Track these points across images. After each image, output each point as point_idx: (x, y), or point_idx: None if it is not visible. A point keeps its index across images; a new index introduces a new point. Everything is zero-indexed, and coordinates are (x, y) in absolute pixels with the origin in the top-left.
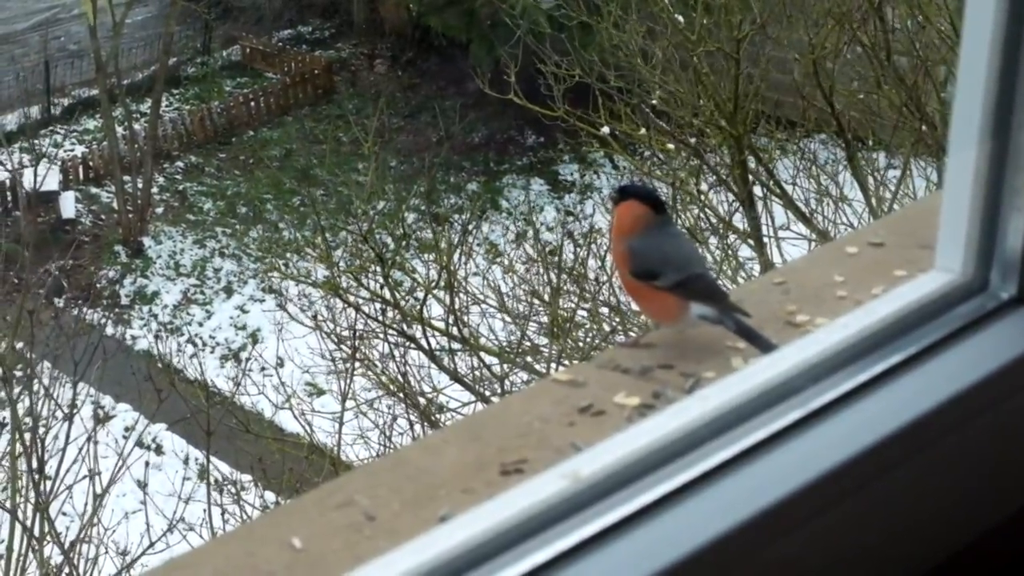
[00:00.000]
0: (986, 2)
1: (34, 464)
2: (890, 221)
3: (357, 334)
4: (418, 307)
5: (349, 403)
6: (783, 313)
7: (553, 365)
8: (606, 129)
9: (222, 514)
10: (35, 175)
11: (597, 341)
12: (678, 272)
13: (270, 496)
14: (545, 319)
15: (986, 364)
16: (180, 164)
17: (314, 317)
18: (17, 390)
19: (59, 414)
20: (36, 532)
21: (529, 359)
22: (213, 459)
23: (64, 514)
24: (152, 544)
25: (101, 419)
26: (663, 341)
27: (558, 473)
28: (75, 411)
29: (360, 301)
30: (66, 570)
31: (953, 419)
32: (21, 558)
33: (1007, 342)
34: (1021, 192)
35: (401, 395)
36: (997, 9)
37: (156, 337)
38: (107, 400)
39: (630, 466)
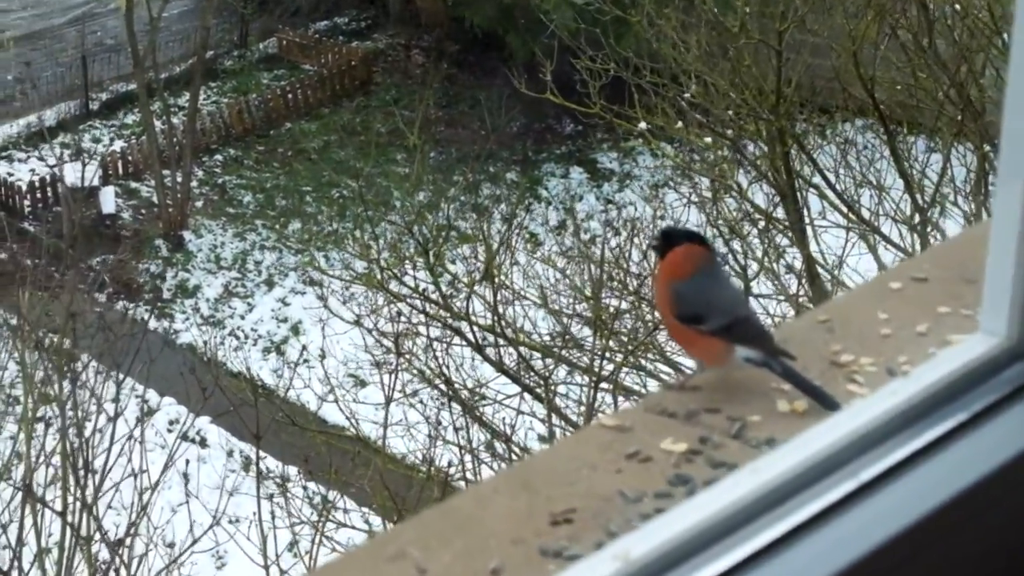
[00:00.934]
0: None
1: (80, 463)
2: (934, 253)
3: (399, 329)
4: (461, 302)
5: (392, 396)
6: (828, 353)
7: (596, 359)
8: (643, 124)
9: (271, 509)
10: (82, 171)
11: (640, 334)
12: (723, 316)
13: (314, 487)
14: (586, 311)
15: None
16: (219, 157)
17: (356, 321)
18: (66, 387)
19: (106, 410)
20: (83, 530)
21: (571, 352)
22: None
23: (111, 508)
24: (196, 540)
25: (146, 413)
26: (708, 383)
27: (610, 554)
28: (120, 409)
29: (402, 295)
30: (114, 567)
31: (1003, 487)
32: (69, 555)
33: None
34: None
35: (443, 388)
36: None
37: (200, 330)
38: (151, 394)
39: (680, 546)
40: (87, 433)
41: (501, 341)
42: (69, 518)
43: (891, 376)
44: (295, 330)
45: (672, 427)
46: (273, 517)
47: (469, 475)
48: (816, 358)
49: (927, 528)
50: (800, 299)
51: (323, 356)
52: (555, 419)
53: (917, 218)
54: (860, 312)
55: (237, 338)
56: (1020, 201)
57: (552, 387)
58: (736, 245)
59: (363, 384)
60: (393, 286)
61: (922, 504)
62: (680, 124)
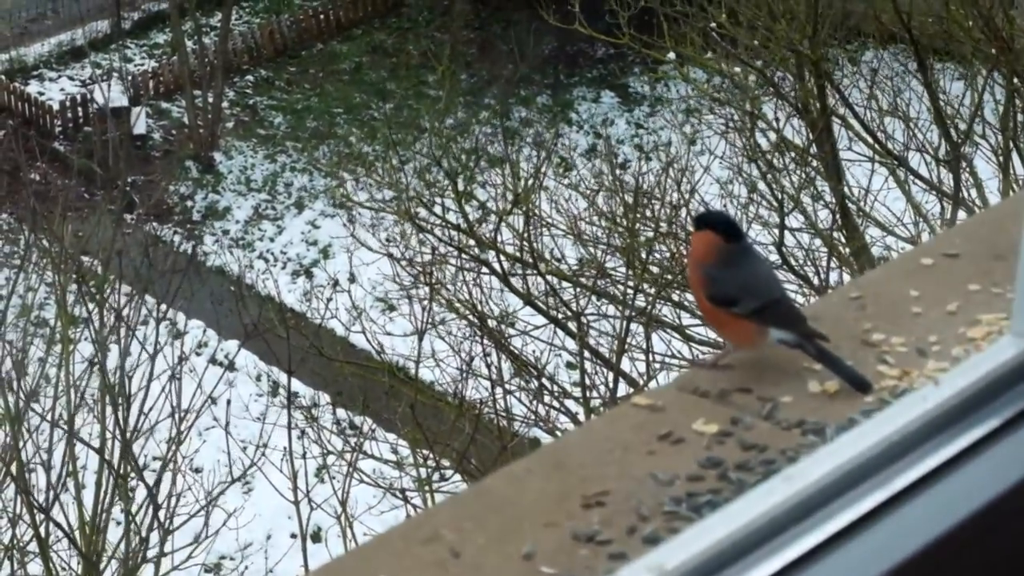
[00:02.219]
0: None
1: (117, 396)
2: (966, 228)
3: (427, 259)
4: (490, 231)
5: (423, 328)
6: (859, 331)
7: (629, 290)
8: (672, 55)
9: (300, 437)
10: (127, 89)
11: (671, 264)
12: (756, 299)
13: (347, 414)
14: (617, 241)
15: None
16: (250, 78)
17: (386, 252)
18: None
19: (140, 341)
20: (119, 465)
21: (602, 283)
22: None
23: (143, 434)
24: (236, 478)
25: (174, 336)
26: (740, 363)
27: (644, 566)
28: (159, 345)
29: (431, 225)
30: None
31: None
32: (107, 487)
33: None
34: None
35: (472, 319)
36: None
37: (231, 254)
38: (181, 318)
39: (714, 558)
40: (127, 366)
41: (529, 271)
42: (106, 455)
43: (921, 357)
44: (324, 253)
45: (704, 407)
46: (304, 447)
47: (500, 409)
48: (847, 336)
49: (961, 537)
50: (833, 233)
51: (352, 279)
52: (586, 353)
53: (948, 152)
54: (891, 289)
55: (266, 261)
56: None
57: (584, 321)
58: (772, 179)
59: (392, 308)
60: (423, 214)
61: (956, 513)
62: (709, 54)
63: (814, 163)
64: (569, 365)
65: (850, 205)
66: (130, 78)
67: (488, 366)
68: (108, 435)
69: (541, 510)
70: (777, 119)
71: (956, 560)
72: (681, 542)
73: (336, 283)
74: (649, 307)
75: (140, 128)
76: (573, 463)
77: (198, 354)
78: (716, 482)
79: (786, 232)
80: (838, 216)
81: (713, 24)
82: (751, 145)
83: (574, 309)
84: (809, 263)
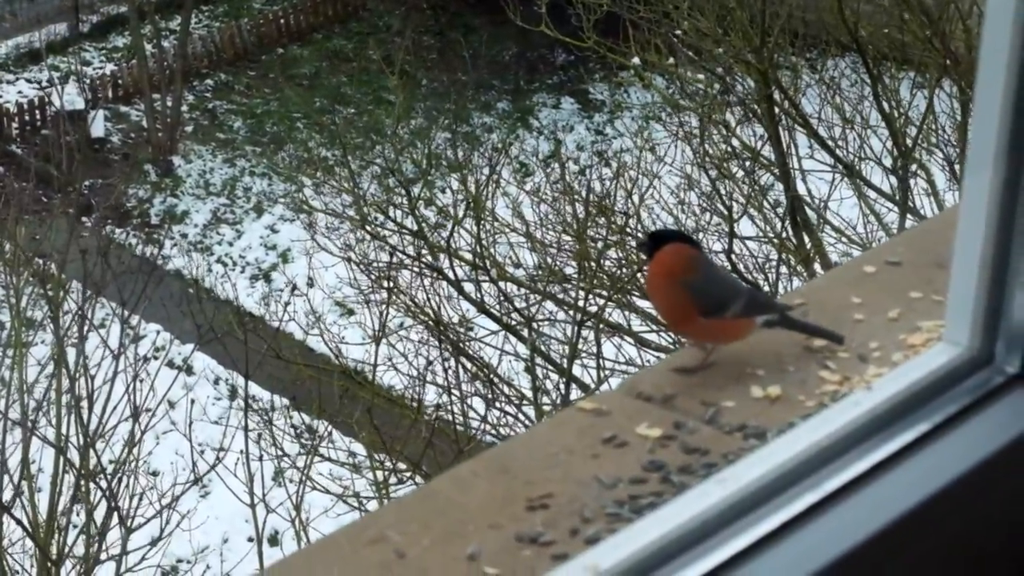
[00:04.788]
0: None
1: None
2: (909, 237)
3: (383, 264)
4: (445, 237)
5: (381, 334)
6: (802, 338)
7: (582, 295)
8: (636, 60)
9: (257, 439)
10: (85, 92)
11: (626, 271)
12: (740, 296)
13: (301, 418)
14: (574, 246)
15: (991, 442)
16: (210, 82)
17: (346, 257)
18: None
19: (95, 340)
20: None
21: (555, 289)
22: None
23: (101, 438)
24: (194, 481)
25: (131, 340)
26: (685, 368)
27: (580, 566)
28: (122, 348)
29: (387, 231)
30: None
31: (965, 496)
32: (60, 484)
33: (1010, 420)
34: None
35: (430, 323)
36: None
37: (188, 257)
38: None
39: (647, 558)
40: (86, 369)
41: (483, 278)
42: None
43: (862, 363)
44: (283, 257)
45: (648, 411)
46: (261, 450)
47: (457, 413)
48: (790, 343)
49: (891, 538)
50: (784, 240)
51: (311, 284)
52: (538, 359)
53: (898, 161)
54: (835, 296)
55: (224, 264)
56: (983, 213)
57: (535, 327)
58: (722, 187)
59: (351, 312)
60: (381, 219)
61: (886, 514)
62: (671, 60)
63: (763, 171)
64: (528, 371)
65: (809, 213)
66: (88, 81)
67: (445, 370)
68: (67, 436)
69: (486, 512)
70: (729, 125)
71: (885, 561)
72: (616, 543)
73: (294, 287)
74: (600, 311)
75: (98, 131)
76: (518, 467)
77: (155, 358)
78: (658, 485)
79: (736, 240)
80: (787, 224)
81: (678, 32)
82: (701, 152)
83: (525, 315)
84: (758, 270)
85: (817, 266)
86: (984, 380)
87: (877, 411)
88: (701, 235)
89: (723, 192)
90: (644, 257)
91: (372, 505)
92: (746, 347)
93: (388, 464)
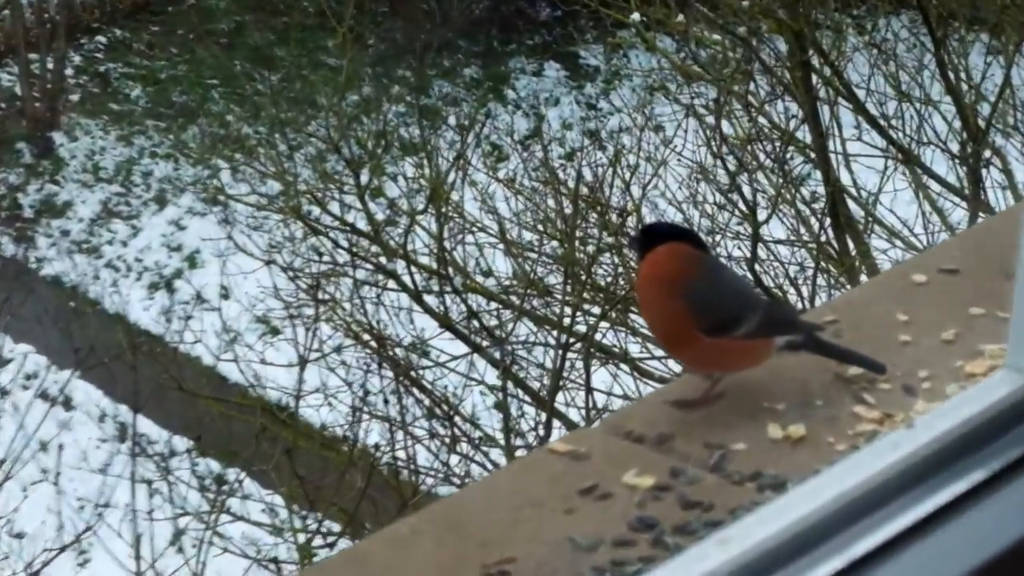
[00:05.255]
0: None
1: None
2: (969, 238)
3: (320, 269)
4: (399, 236)
5: (307, 355)
6: (832, 364)
7: (567, 311)
8: (637, 16)
9: (149, 489)
10: None
11: (623, 281)
12: (755, 310)
13: (212, 465)
14: (558, 250)
15: None
16: (101, 40)
17: (268, 260)
18: None
19: None
20: None
21: (536, 303)
22: (139, 417)
23: None
24: (66, 545)
25: None
26: (691, 399)
27: None
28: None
29: (323, 227)
30: None
31: None
32: None
33: None
34: None
35: (373, 345)
36: None
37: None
38: (8, 344)
39: None
40: None
41: (447, 287)
42: None
43: (909, 396)
44: (191, 261)
45: (637, 455)
46: (153, 505)
47: (399, 457)
48: (818, 370)
49: None
50: (824, 244)
51: (226, 295)
52: (512, 388)
53: (968, 146)
54: (875, 312)
55: (116, 270)
56: None
57: (510, 347)
58: (744, 177)
59: (275, 331)
60: (317, 213)
61: None
62: (681, 17)
63: (797, 157)
64: (498, 406)
65: (855, 210)
66: None
67: (386, 402)
68: None
69: None
70: (754, 100)
71: None
72: None
73: (203, 299)
74: (590, 332)
75: None
76: (472, 523)
77: (24, 387)
78: (649, 548)
79: (762, 245)
80: (827, 224)
81: None
82: (718, 134)
83: (497, 335)
84: (790, 283)
85: (864, 277)
86: None
87: (920, 455)
88: (718, 238)
89: (745, 184)
90: (636, 258)
91: (292, 572)
92: (762, 375)
93: (313, 521)
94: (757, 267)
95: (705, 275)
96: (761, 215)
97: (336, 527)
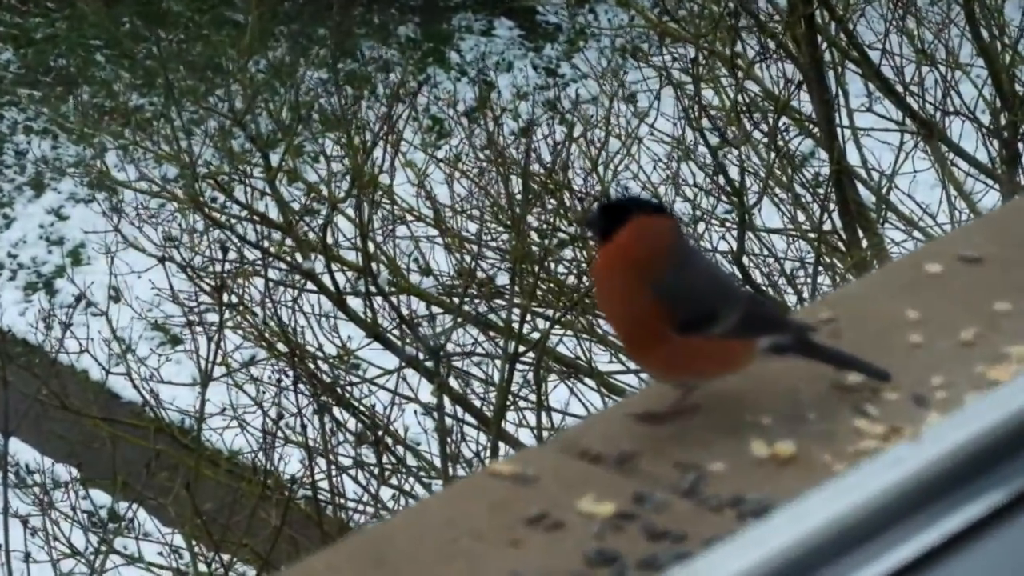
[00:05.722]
0: None
1: None
2: (992, 222)
3: (227, 266)
4: (319, 227)
5: (210, 369)
6: (828, 369)
7: (515, 316)
8: None
9: (25, 528)
10: None
11: (582, 283)
12: (734, 303)
13: (98, 498)
14: (507, 243)
15: None
16: None
17: (161, 257)
18: None
19: None
20: None
21: (483, 308)
22: (14, 442)
23: None
24: None
25: None
26: (659, 411)
27: None
28: None
29: (231, 217)
30: None
31: None
32: None
33: None
34: None
35: (289, 356)
36: None
37: None
38: None
39: None
40: None
41: (374, 288)
42: None
43: (920, 407)
44: (75, 257)
45: (595, 478)
46: (26, 543)
47: (322, 488)
48: (811, 377)
49: None
50: (827, 234)
51: (116, 297)
52: (449, 406)
53: (1002, 116)
54: (880, 308)
55: None
56: None
57: (445, 358)
58: (730, 154)
59: (176, 341)
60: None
61: None
62: None
63: (796, 131)
64: (437, 429)
65: (866, 194)
66: None
67: (303, 426)
68: None
69: None
70: (741, 61)
71: None
72: None
73: (90, 302)
74: (543, 338)
75: None
76: (399, 558)
77: None
78: None
79: (752, 236)
80: (832, 210)
81: None
82: (696, 102)
83: (431, 344)
84: (787, 281)
85: None
86: None
87: (929, 473)
88: (702, 227)
89: (732, 164)
90: (594, 242)
91: None
92: (745, 384)
93: (219, 565)
94: (746, 261)
95: (679, 258)
96: (753, 201)
97: (249, 573)
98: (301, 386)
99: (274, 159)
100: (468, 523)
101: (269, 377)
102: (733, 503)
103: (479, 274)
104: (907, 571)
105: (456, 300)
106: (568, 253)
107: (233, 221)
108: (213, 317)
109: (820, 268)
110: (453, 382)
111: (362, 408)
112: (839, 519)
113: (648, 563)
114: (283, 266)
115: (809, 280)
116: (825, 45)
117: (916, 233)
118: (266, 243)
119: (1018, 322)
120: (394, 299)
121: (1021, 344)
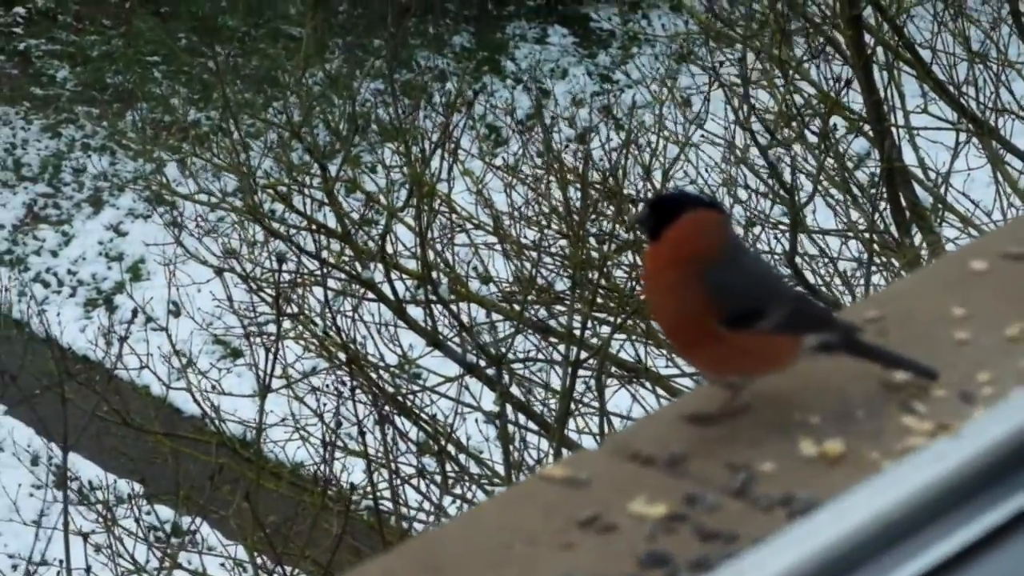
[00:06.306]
0: None
1: None
2: None
3: (287, 277)
4: (377, 236)
5: (269, 381)
6: (875, 369)
7: (575, 322)
8: None
9: (85, 543)
10: None
11: (640, 287)
12: (781, 300)
13: (162, 512)
14: (563, 244)
15: None
16: (20, 11)
17: (219, 269)
18: None
19: None
20: None
21: (544, 313)
22: (76, 459)
23: None
24: None
25: None
26: (710, 412)
27: None
28: None
29: (285, 230)
30: None
31: None
32: None
33: None
34: None
35: (350, 368)
36: None
37: None
38: None
39: None
40: None
41: (434, 296)
42: None
43: (967, 404)
44: (134, 273)
45: (647, 480)
46: (87, 557)
47: (384, 498)
48: (858, 376)
49: None
50: (881, 233)
51: (176, 311)
52: (512, 414)
53: None
54: (926, 306)
55: (46, 285)
56: None
57: (507, 365)
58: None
59: (236, 354)
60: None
61: None
62: None
63: (847, 132)
64: (500, 437)
65: (920, 193)
66: None
67: (361, 434)
68: None
69: None
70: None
71: None
72: None
73: (141, 316)
74: (604, 345)
75: None
76: (454, 562)
77: None
78: None
79: (804, 236)
80: (884, 210)
81: None
82: (745, 103)
83: (493, 352)
84: (842, 281)
85: None
86: None
87: (971, 468)
88: (757, 229)
89: (785, 165)
90: (645, 239)
91: None
92: (794, 383)
93: (280, 574)
94: (798, 261)
95: (728, 253)
96: (804, 200)
97: None
98: (361, 395)
99: (332, 171)
100: (521, 527)
101: (327, 386)
102: (783, 502)
103: (538, 281)
104: (951, 567)
105: (516, 307)
106: (626, 258)
107: (292, 232)
108: (273, 328)
109: (875, 267)
110: (515, 389)
111: (424, 417)
112: (882, 515)
113: (700, 564)
114: (343, 276)
115: (862, 278)
116: (876, 45)
117: (972, 231)
118: (325, 253)
119: None
120: (454, 307)
121: None
